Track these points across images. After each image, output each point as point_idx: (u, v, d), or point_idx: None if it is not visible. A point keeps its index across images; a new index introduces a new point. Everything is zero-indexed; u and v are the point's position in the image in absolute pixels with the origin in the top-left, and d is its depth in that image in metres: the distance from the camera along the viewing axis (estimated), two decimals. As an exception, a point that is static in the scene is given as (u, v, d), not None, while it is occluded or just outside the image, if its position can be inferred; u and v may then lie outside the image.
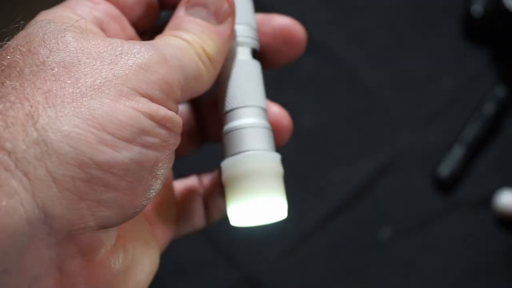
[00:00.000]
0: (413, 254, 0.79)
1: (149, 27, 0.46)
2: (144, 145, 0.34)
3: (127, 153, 0.33)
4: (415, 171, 0.84)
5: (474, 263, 0.78)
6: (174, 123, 0.36)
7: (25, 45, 0.35)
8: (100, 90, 0.33)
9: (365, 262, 0.79)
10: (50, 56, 0.34)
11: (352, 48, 0.92)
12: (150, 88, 0.34)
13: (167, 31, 0.41)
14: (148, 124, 0.34)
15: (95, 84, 0.33)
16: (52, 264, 0.31)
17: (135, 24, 0.44)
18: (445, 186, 0.82)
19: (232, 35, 0.43)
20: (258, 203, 0.41)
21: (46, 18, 0.37)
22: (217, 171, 0.45)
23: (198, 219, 0.48)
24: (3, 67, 0.34)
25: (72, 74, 0.33)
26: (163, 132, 0.35)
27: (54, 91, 0.32)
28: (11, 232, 0.29)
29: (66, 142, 0.31)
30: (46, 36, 0.35)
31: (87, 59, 0.34)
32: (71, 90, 0.33)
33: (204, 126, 0.49)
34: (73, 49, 0.35)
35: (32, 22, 0.38)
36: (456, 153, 0.82)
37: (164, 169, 0.36)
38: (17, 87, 0.32)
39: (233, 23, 0.42)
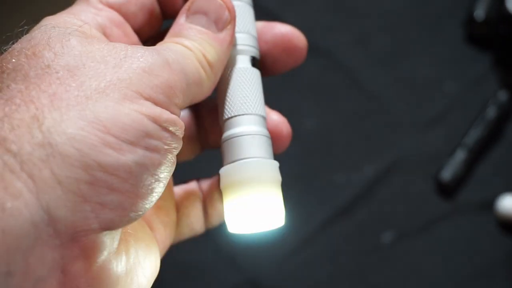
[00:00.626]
0: (415, 257, 0.79)
1: (151, 35, 0.46)
2: (148, 148, 0.34)
3: (131, 156, 0.33)
4: (417, 174, 0.84)
5: (476, 267, 0.78)
6: (177, 127, 0.36)
7: (30, 48, 0.35)
8: (104, 93, 0.33)
9: (368, 265, 0.79)
10: (55, 60, 0.34)
11: (355, 53, 0.92)
12: (153, 92, 0.35)
13: (168, 38, 0.41)
14: (152, 127, 0.34)
15: (99, 87, 0.33)
16: (56, 266, 0.32)
17: (137, 32, 0.44)
18: (448, 190, 0.82)
19: (232, 42, 0.43)
20: (255, 210, 0.42)
21: (50, 23, 0.38)
22: (217, 176, 0.46)
23: (197, 224, 0.48)
24: (8, 70, 0.34)
25: (77, 77, 0.34)
26: (166, 135, 0.35)
27: (59, 94, 0.33)
28: (16, 234, 0.29)
29: (71, 144, 0.31)
30: (50, 40, 0.35)
31: (91, 62, 0.34)
32: (76, 93, 0.33)
33: (204, 132, 0.49)
34: (77, 52, 0.35)
35: (37, 26, 0.38)
36: (459, 157, 0.82)
37: (166, 172, 0.36)
38: (23, 90, 0.33)
39: (233, 30, 0.43)
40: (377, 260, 0.79)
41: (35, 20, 0.39)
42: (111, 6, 0.41)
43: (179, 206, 0.47)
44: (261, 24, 0.48)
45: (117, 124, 0.32)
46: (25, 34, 0.37)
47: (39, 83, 0.33)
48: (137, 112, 0.33)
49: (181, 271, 0.78)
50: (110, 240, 0.34)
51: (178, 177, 0.47)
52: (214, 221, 0.48)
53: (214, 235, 0.71)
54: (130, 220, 0.34)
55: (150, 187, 0.35)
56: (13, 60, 0.34)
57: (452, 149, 0.84)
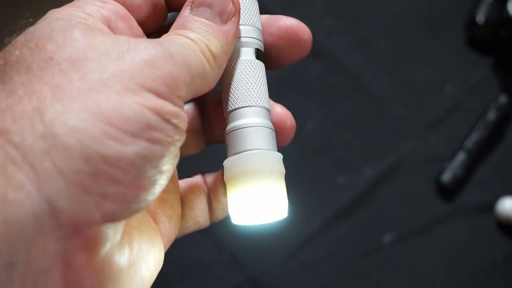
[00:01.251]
0: (416, 259, 0.79)
1: (156, 27, 0.46)
2: (150, 140, 0.34)
3: (132, 147, 0.33)
4: (418, 177, 0.84)
5: (476, 268, 0.78)
6: (180, 119, 0.36)
7: (33, 40, 0.35)
8: (106, 85, 0.33)
9: (368, 266, 0.79)
10: (58, 52, 0.34)
11: (357, 55, 0.92)
12: (156, 84, 0.35)
13: (172, 30, 0.41)
14: (153, 119, 0.34)
15: (102, 79, 0.33)
16: (58, 257, 0.31)
17: (142, 24, 0.44)
18: (448, 192, 0.82)
19: (237, 34, 0.43)
20: (259, 201, 0.41)
21: (55, 15, 0.38)
22: (222, 170, 0.46)
23: (202, 218, 0.48)
24: (11, 63, 0.34)
25: (79, 69, 0.34)
26: (168, 127, 0.35)
27: (62, 86, 0.33)
28: (18, 225, 0.29)
29: (73, 135, 0.31)
30: (53, 32, 0.35)
31: (94, 54, 0.34)
32: (78, 85, 0.33)
33: (209, 126, 0.49)
34: (80, 45, 0.35)
35: (41, 19, 0.38)
36: (459, 159, 0.83)
37: (169, 164, 0.36)
38: (25, 82, 0.33)
39: (237, 23, 0.42)
40: (378, 261, 0.79)
41: (41, 13, 0.39)
42: None
43: (184, 200, 0.47)
44: (266, 17, 0.48)
45: (119, 115, 0.32)
46: (30, 26, 0.37)
47: (42, 75, 0.33)
48: (139, 104, 0.33)
49: (183, 269, 0.78)
50: (113, 232, 0.34)
51: (183, 171, 0.47)
52: (219, 215, 0.48)
53: (216, 233, 0.71)
54: (132, 212, 0.34)
55: (152, 179, 0.35)
56: (17, 52, 0.34)
57: (452, 151, 0.84)
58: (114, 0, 0.41)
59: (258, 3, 0.48)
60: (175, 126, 0.35)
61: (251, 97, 0.44)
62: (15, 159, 0.30)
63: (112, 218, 0.33)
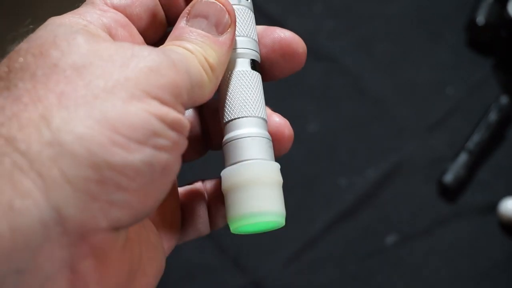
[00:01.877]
0: (419, 260, 0.79)
1: (155, 39, 0.46)
2: (155, 147, 0.34)
3: (139, 155, 0.33)
4: (420, 178, 0.84)
5: (479, 269, 0.78)
6: (183, 126, 0.36)
7: (37, 47, 0.35)
8: (112, 92, 0.33)
9: (371, 268, 0.79)
10: (62, 59, 0.34)
11: (358, 57, 0.92)
12: (160, 91, 0.35)
13: (169, 41, 0.41)
14: (159, 126, 0.34)
15: (107, 86, 0.33)
16: (65, 264, 0.32)
17: (142, 35, 0.44)
18: (450, 193, 0.82)
19: (232, 45, 0.43)
20: (256, 212, 0.42)
21: (55, 22, 0.38)
22: (220, 178, 0.46)
23: (202, 225, 0.48)
24: (15, 70, 0.34)
25: (84, 76, 0.34)
26: (173, 134, 0.35)
27: (67, 93, 0.33)
28: (25, 233, 0.29)
29: (80, 143, 0.31)
30: (57, 38, 0.35)
31: (98, 61, 0.34)
32: (83, 92, 0.33)
33: (208, 133, 0.49)
34: (84, 51, 0.35)
35: (42, 26, 0.38)
36: (461, 160, 0.83)
37: (173, 171, 0.36)
38: (30, 89, 0.33)
39: (233, 34, 0.42)
40: (381, 263, 0.79)
41: (41, 20, 0.39)
42: (116, 8, 0.41)
43: (184, 207, 0.47)
44: (261, 28, 0.48)
45: (125, 123, 0.32)
46: (31, 33, 0.37)
47: (47, 82, 0.33)
48: (144, 111, 0.33)
49: (185, 272, 0.78)
50: (118, 239, 0.34)
51: (183, 178, 0.47)
52: (219, 222, 0.48)
53: (218, 236, 0.71)
54: (138, 219, 0.34)
55: (157, 186, 0.35)
56: (20, 59, 0.34)
57: (454, 152, 0.84)
58: (114, 9, 0.41)
59: (259, 6, 0.48)
60: (179, 133, 0.36)
61: (247, 108, 0.44)
62: (22, 166, 0.30)
63: (119, 224, 0.33)
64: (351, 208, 0.82)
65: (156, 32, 0.45)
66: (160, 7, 0.45)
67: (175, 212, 0.46)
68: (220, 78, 0.42)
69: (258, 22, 0.48)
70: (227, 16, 0.42)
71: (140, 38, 0.43)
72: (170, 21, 0.46)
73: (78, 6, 0.41)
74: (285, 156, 0.46)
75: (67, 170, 0.31)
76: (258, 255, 0.79)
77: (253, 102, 0.44)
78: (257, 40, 0.47)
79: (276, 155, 0.45)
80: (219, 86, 0.44)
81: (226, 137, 0.44)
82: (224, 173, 0.43)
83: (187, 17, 0.41)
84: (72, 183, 0.31)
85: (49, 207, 0.30)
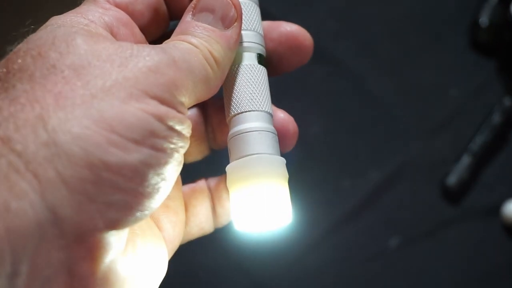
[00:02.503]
0: (422, 263, 0.79)
1: (158, 35, 0.46)
2: (154, 147, 0.34)
3: (136, 155, 0.33)
4: (423, 180, 0.84)
5: (482, 272, 0.78)
6: (184, 126, 0.36)
7: (36, 48, 0.35)
8: (110, 92, 0.33)
9: (374, 271, 0.79)
10: (61, 59, 0.34)
11: (360, 59, 0.92)
12: (159, 90, 0.34)
13: (175, 36, 0.41)
14: (157, 126, 0.34)
15: (105, 86, 0.33)
16: (62, 266, 0.31)
17: (144, 31, 0.44)
18: (453, 195, 0.82)
19: (239, 40, 0.43)
20: (262, 206, 0.41)
21: (57, 22, 0.38)
22: (225, 175, 0.45)
23: (206, 223, 0.48)
24: (14, 71, 0.34)
25: (82, 76, 0.33)
26: (172, 134, 0.35)
27: (65, 94, 0.32)
28: (21, 234, 0.29)
29: (76, 143, 0.31)
30: (56, 40, 0.35)
31: (97, 61, 0.34)
32: (81, 92, 0.33)
33: (212, 132, 0.49)
34: (83, 52, 0.35)
35: (43, 26, 0.38)
36: (464, 163, 0.82)
37: (173, 171, 0.36)
38: (28, 90, 0.33)
39: (239, 28, 0.42)
40: (384, 265, 0.79)
41: (42, 20, 0.39)
42: (118, 5, 0.41)
43: (188, 206, 0.47)
44: (267, 23, 0.48)
45: (122, 123, 0.32)
46: (31, 33, 0.37)
47: (45, 83, 0.33)
48: (142, 111, 0.33)
49: (189, 274, 0.78)
50: (117, 240, 0.34)
51: (187, 177, 0.47)
52: (223, 220, 0.48)
53: (222, 238, 0.71)
54: (136, 220, 0.34)
55: (156, 187, 0.34)
56: (19, 60, 0.34)
57: (457, 154, 0.83)
58: (116, 6, 0.41)
59: (262, 8, 0.48)
60: (178, 133, 0.35)
61: (254, 102, 0.44)
62: (18, 167, 0.30)
63: (116, 226, 0.33)
64: (354, 210, 0.82)
65: (158, 27, 0.45)
66: (162, 3, 0.45)
67: (179, 211, 0.46)
68: (226, 72, 0.42)
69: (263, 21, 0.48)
70: (233, 10, 0.42)
71: (142, 36, 0.43)
72: (173, 16, 0.46)
73: (80, 4, 0.41)
74: (288, 158, 0.45)
75: (63, 171, 0.30)
76: (262, 257, 0.79)
77: (260, 96, 0.44)
78: (262, 35, 0.46)
79: (281, 151, 0.45)
80: (225, 81, 0.44)
81: (232, 131, 0.44)
82: (230, 167, 0.43)
83: (192, 11, 0.41)
84: (68, 184, 0.31)
85: (45, 208, 0.30)
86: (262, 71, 0.45)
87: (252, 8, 0.46)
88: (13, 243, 0.29)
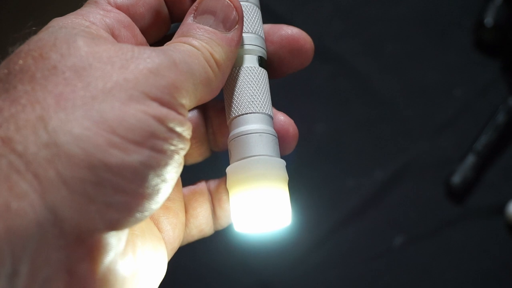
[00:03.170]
0: (426, 262, 0.79)
1: (159, 37, 0.46)
2: (154, 149, 0.34)
3: (136, 156, 0.33)
4: (427, 179, 0.84)
5: (486, 271, 0.78)
6: (184, 127, 0.36)
7: (37, 50, 0.35)
8: (110, 93, 0.33)
9: (378, 269, 0.79)
10: (62, 61, 0.34)
11: (365, 58, 0.92)
12: (160, 92, 0.35)
13: (176, 37, 0.41)
14: (157, 127, 0.34)
15: (105, 87, 0.33)
16: (62, 266, 0.32)
17: (145, 33, 0.44)
18: (458, 195, 0.82)
19: (240, 42, 0.43)
20: (261, 208, 0.41)
21: (58, 24, 0.38)
22: (225, 177, 0.45)
23: (206, 225, 0.48)
24: (15, 72, 0.34)
25: (83, 78, 0.34)
26: (172, 136, 0.35)
27: (65, 95, 0.33)
28: (21, 234, 0.29)
29: (76, 144, 0.31)
30: (57, 41, 0.35)
31: (98, 63, 0.34)
32: (82, 93, 0.33)
33: (213, 134, 0.49)
34: (84, 53, 0.35)
35: (44, 28, 0.38)
36: (469, 162, 0.82)
37: (173, 173, 0.36)
38: (29, 90, 0.33)
39: (241, 30, 0.42)
40: (388, 264, 0.79)
41: (43, 22, 0.39)
42: (119, 7, 0.41)
43: (188, 207, 0.47)
44: (268, 26, 0.48)
45: (122, 124, 0.32)
46: (33, 35, 0.37)
47: (46, 84, 0.33)
48: (143, 113, 0.33)
49: (192, 274, 0.78)
50: (116, 241, 0.34)
51: (187, 179, 0.47)
52: (223, 222, 0.48)
53: (226, 237, 0.71)
54: (136, 221, 0.34)
55: (156, 188, 0.35)
56: (20, 61, 0.34)
57: (462, 153, 0.83)
58: (118, 9, 0.41)
59: (267, 7, 0.48)
60: (179, 134, 0.35)
61: (255, 104, 0.44)
62: (19, 168, 0.30)
63: (116, 227, 0.33)
64: (358, 209, 0.82)
65: (159, 30, 0.45)
66: (164, 5, 0.45)
67: (179, 213, 0.46)
68: (227, 74, 0.42)
69: (265, 23, 0.48)
70: (234, 12, 0.42)
71: (143, 38, 0.43)
72: (174, 18, 0.46)
73: (81, 6, 0.41)
74: (293, 157, 0.46)
75: (64, 171, 0.31)
76: (266, 256, 0.79)
77: (261, 99, 0.44)
78: (263, 37, 0.47)
79: (281, 153, 0.45)
80: (226, 83, 0.44)
81: (233, 132, 0.44)
82: (230, 168, 0.43)
83: (194, 14, 0.42)
84: (69, 185, 0.31)
85: (45, 209, 0.30)
86: (263, 74, 0.45)
87: (253, 10, 0.46)
88: (13, 243, 0.29)
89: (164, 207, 0.44)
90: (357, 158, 0.86)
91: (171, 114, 0.35)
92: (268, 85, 0.45)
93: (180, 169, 0.37)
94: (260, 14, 0.47)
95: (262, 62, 0.45)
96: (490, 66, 0.90)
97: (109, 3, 0.41)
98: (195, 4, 0.42)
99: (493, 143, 0.83)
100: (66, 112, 0.32)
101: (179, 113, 0.36)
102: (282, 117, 0.47)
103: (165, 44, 0.40)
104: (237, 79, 0.44)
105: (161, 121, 0.34)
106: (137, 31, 0.42)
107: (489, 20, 0.89)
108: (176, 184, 0.39)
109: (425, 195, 0.83)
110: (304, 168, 0.83)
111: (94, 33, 0.37)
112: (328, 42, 0.93)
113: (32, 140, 0.31)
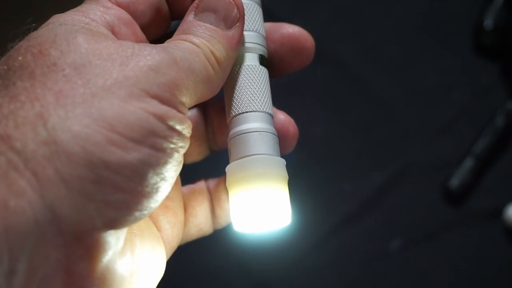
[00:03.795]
0: (423, 266, 0.79)
1: (159, 34, 0.46)
2: (153, 147, 0.33)
3: (135, 154, 0.32)
4: (425, 182, 0.83)
5: (484, 275, 0.78)
6: (184, 125, 0.36)
7: (37, 46, 0.35)
8: (110, 91, 0.33)
9: (375, 273, 0.79)
10: (61, 58, 0.34)
11: (364, 61, 0.92)
12: (160, 90, 0.34)
13: (177, 35, 0.41)
14: (157, 125, 0.34)
15: (105, 85, 0.33)
16: (60, 265, 0.31)
17: (145, 31, 0.44)
18: (456, 198, 0.82)
19: (241, 40, 0.43)
20: (261, 207, 0.41)
21: (58, 20, 0.38)
22: (224, 176, 0.45)
23: (205, 225, 0.48)
24: (14, 68, 0.34)
25: (83, 75, 0.33)
26: (172, 134, 0.35)
27: (65, 92, 0.32)
28: (19, 232, 0.29)
29: (76, 142, 0.31)
30: (57, 38, 0.35)
31: (98, 60, 0.34)
32: (81, 90, 0.33)
33: (212, 133, 0.49)
34: (84, 50, 0.35)
35: (44, 24, 0.38)
36: (467, 165, 0.82)
37: (173, 172, 0.36)
38: (28, 87, 0.33)
39: (242, 28, 0.42)
40: (385, 268, 0.79)
41: (44, 18, 0.39)
42: (119, 5, 0.41)
43: (187, 206, 0.47)
44: (269, 24, 0.48)
45: (122, 122, 0.32)
46: (32, 31, 0.37)
47: (45, 81, 0.33)
48: (143, 110, 0.33)
49: (189, 276, 0.78)
50: (115, 240, 0.34)
51: (187, 178, 0.47)
52: (222, 222, 0.48)
53: (223, 239, 0.71)
54: (135, 220, 0.34)
55: (155, 186, 0.34)
56: (20, 58, 0.34)
57: (460, 157, 0.83)
58: (118, 6, 0.41)
59: (265, 9, 0.47)
60: (179, 132, 0.35)
61: (255, 103, 0.43)
62: (17, 165, 0.30)
63: (115, 225, 0.33)
64: (355, 212, 0.82)
65: (159, 27, 0.45)
66: (164, 2, 0.44)
67: (178, 212, 0.46)
68: (228, 72, 0.42)
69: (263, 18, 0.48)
70: (235, 10, 0.42)
71: (143, 36, 0.43)
72: (174, 16, 0.45)
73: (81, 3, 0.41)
74: (290, 159, 0.45)
75: (63, 169, 0.30)
76: (262, 258, 0.78)
77: (261, 97, 0.44)
78: (264, 36, 0.46)
79: (281, 153, 0.44)
80: (227, 81, 0.44)
81: (232, 131, 0.43)
82: (230, 167, 0.43)
83: (195, 11, 0.41)
84: (67, 183, 0.30)
85: (43, 207, 0.30)
86: (263, 72, 0.45)
87: (254, 8, 0.46)
88: (11, 242, 0.29)
89: (163, 206, 0.44)
90: (355, 161, 0.86)
91: (171, 112, 0.35)
92: (268, 83, 0.45)
93: (179, 168, 0.37)
94: (261, 12, 0.47)
95: (263, 60, 0.45)
96: (489, 69, 0.90)
97: (110, 0, 0.41)
98: (196, 1, 0.42)
99: (491, 146, 0.83)
100: (66, 109, 0.32)
101: (179, 111, 0.36)
102: (282, 116, 0.47)
103: (166, 42, 0.39)
104: (237, 77, 0.44)
105: (161, 119, 0.34)
106: (137, 28, 0.42)
107: (488, 22, 0.89)
108: (176, 183, 0.38)
109: (423, 199, 0.83)
110: (301, 170, 0.83)
111: (94, 30, 0.37)
112: (326, 44, 0.93)
113: (31, 138, 0.31)
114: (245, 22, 0.44)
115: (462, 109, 0.88)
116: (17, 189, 0.29)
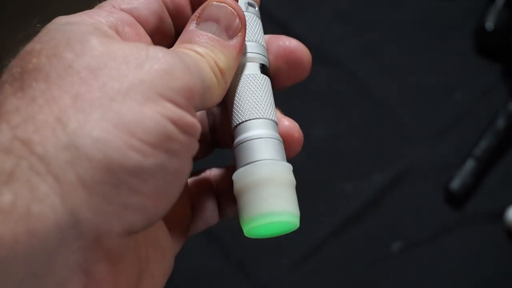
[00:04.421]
0: (424, 267, 0.79)
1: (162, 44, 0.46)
2: (168, 151, 0.34)
3: (153, 159, 0.33)
4: (426, 184, 0.84)
5: (485, 277, 0.78)
6: (195, 130, 0.36)
7: (51, 49, 0.35)
8: (127, 94, 0.33)
9: (376, 274, 0.79)
10: (77, 60, 0.34)
11: (365, 62, 0.92)
12: (174, 94, 0.34)
13: (178, 44, 0.41)
14: (173, 130, 0.34)
15: (122, 88, 0.33)
16: (79, 268, 0.31)
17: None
18: (457, 200, 0.82)
19: (243, 50, 0.43)
20: (271, 211, 0.41)
21: (62, 21, 0.38)
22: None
23: (212, 217, 0.48)
24: (29, 70, 0.34)
25: (99, 78, 0.33)
26: (185, 138, 0.35)
27: (82, 95, 0.32)
28: (41, 237, 0.29)
29: (96, 147, 0.31)
30: (70, 40, 0.35)
31: (113, 63, 0.34)
32: (98, 94, 0.33)
33: (215, 131, 0.49)
34: (98, 53, 0.34)
35: (50, 25, 0.38)
36: (468, 167, 0.82)
37: (185, 174, 0.36)
38: (45, 90, 0.32)
39: (243, 38, 0.42)
40: (386, 269, 0.79)
41: (50, 19, 0.39)
42: (123, 10, 0.41)
43: (193, 201, 0.47)
44: (268, 36, 0.48)
45: (141, 126, 0.32)
46: (38, 33, 0.37)
47: (61, 84, 0.33)
48: (160, 115, 0.33)
49: (190, 277, 0.78)
50: (132, 242, 0.34)
51: (190, 175, 0.47)
52: (227, 212, 0.48)
53: (223, 241, 0.71)
54: (151, 222, 0.34)
55: (170, 189, 0.35)
56: (34, 60, 0.34)
57: (461, 159, 0.83)
58: (121, 10, 0.41)
59: (267, 11, 0.47)
60: (191, 136, 0.35)
61: (258, 110, 0.43)
62: (39, 170, 0.30)
63: (132, 228, 0.33)
64: (356, 214, 0.82)
65: (163, 39, 0.45)
66: (167, 14, 0.44)
67: (185, 209, 0.46)
68: (229, 82, 0.42)
69: (265, 27, 0.48)
70: (237, 20, 0.42)
71: (147, 37, 0.43)
72: (178, 32, 0.45)
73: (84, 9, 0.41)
74: (291, 161, 0.45)
75: (83, 174, 0.30)
76: (263, 260, 0.79)
77: (264, 104, 0.44)
78: (265, 46, 0.46)
79: (286, 157, 0.44)
80: (229, 90, 0.44)
81: (237, 139, 0.43)
82: (236, 174, 0.43)
83: (197, 20, 0.41)
84: (88, 187, 0.31)
85: (65, 211, 0.30)
86: (265, 80, 0.45)
87: (254, 20, 0.46)
88: (33, 246, 0.29)
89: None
90: (356, 162, 0.86)
91: (186, 116, 0.35)
92: (271, 91, 0.45)
93: (190, 169, 0.37)
94: (261, 24, 0.47)
95: (264, 69, 0.45)
96: (490, 71, 0.91)
97: (113, 6, 0.41)
98: (198, 11, 0.42)
99: (493, 148, 0.83)
100: (84, 113, 0.32)
101: (192, 115, 0.36)
102: (286, 122, 0.47)
103: (171, 49, 0.39)
104: (239, 86, 0.44)
105: (176, 123, 0.34)
106: (141, 29, 0.42)
107: (490, 24, 0.90)
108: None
109: (424, 200, 0.83)
110: (302, 172, 0.83)
111: (101, 29, 0.37)
112: (327, 45, 0.93)
113: (51, 142, 0.31)
114: (246, 32, 0.44)
115: (463, 110, 0.88)
116: (39, 194, 0.29)
